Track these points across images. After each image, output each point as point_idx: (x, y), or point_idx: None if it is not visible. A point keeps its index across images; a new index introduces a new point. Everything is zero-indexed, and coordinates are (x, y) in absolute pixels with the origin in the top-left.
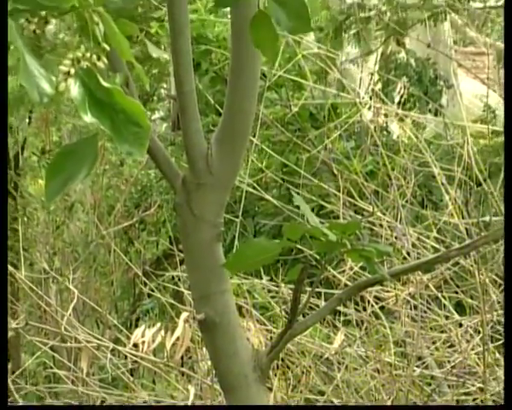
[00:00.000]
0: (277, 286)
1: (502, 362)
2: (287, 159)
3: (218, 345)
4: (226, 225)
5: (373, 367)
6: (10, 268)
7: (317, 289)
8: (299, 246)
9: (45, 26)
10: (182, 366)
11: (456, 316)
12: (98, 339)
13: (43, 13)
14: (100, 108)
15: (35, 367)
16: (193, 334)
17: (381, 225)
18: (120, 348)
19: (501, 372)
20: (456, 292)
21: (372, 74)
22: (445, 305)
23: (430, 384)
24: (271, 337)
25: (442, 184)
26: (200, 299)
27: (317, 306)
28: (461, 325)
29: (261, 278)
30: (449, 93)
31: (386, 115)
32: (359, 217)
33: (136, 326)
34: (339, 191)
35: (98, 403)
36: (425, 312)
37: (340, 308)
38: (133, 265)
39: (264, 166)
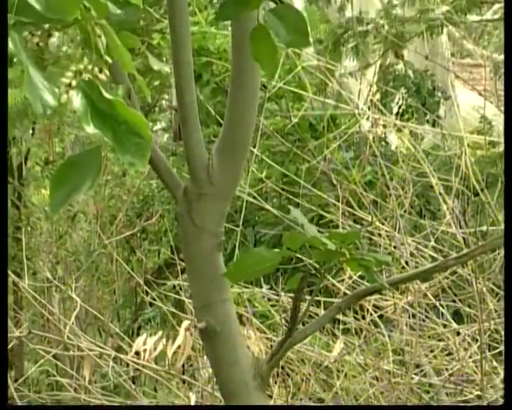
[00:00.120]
0: (277, 295)
1: (499, 370)
2: (287, 169)
3: (219, 353)
4: (227, 235)
5: (372, 375)
6: (14, 277)
7: (316, 298)
8: (298, 255)
9: (48, 39)
10: (183, 373)
11: (454, 324)
12: (100, 347)
13: (47, 26)
14: (102, 119)
15: (38, 375)
16: (194, 342)
17: (379, 235)
18: (122, 356)
19: (498, 380)
20: (454, 301)
21: (371, 86)
22: (442, 313)
23: (428, 392)
24: (271, 345)
25: (440, 194)
26: (201, 308)
27: (317, 314)
28: (458, 334)
29: (261, 287)
30: (446, 104)
31: (384, 126)
32: (358, 226)
33: (138, 335)
34: (338, 201)
35: None
36: (423, 320)
37: (340, 317)
38: (135, 274)
39: (264, 177)
